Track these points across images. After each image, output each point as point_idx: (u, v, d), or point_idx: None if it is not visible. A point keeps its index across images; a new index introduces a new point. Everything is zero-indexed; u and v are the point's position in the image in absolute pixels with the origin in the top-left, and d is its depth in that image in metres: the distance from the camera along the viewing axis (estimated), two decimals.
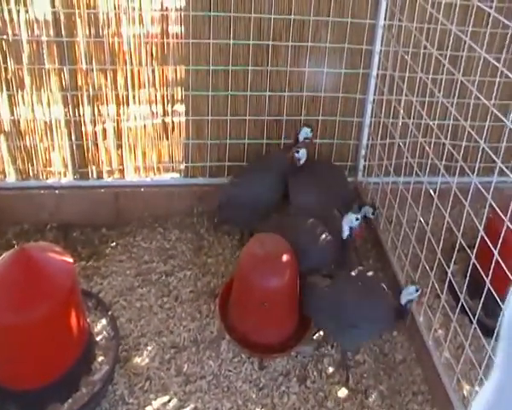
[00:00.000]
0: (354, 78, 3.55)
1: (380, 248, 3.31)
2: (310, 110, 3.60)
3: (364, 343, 2.86)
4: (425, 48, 2.95)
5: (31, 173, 3.55)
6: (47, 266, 2.45)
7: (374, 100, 3.56)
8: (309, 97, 3.56)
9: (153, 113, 3.54)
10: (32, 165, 3.53)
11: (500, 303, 2.10)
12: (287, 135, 3.61)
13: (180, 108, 3.55)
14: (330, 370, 2.74)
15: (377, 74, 3.51)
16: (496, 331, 2.13)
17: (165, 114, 3.55)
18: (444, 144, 2.76)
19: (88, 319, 2.72)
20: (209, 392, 2.59)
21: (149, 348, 2.79)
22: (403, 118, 3.17)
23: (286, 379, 2.67)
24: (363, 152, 3.70)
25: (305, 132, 3.30)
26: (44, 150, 3.52)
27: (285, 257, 2.71)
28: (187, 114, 3.53)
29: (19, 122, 3.41)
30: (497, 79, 2.87)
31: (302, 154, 3.19)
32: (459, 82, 2.69)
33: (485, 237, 2.22)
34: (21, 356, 2.37)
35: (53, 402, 2.43)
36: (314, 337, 2.88)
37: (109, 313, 2.84)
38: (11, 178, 3.53)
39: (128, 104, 3.48)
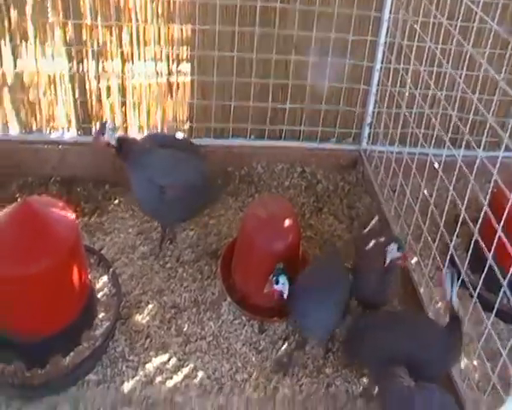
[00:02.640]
0: (362, 45, 3.51)
1: (382, 217, 3.31)
2: (316, 75, 3.56)
3: None
4: (435, 17, 2.91)
5: (34, 127, 3.54)
6: (50, 220, 2.45)
7: (381, 68, 3.53)
8: (315, 62, 3.53)
9: (158, 71, 3.51)
10: (36, 119, 3.52)
11: (501, 279, 2.13)
12: (292, 101, 3.61)
13: (185, 67, 3.52)
14: None
15: (385, 42, 3.47)
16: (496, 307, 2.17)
17: (170, 73, 3.52)
18: (450, 116, 2.75)
19: (90, 275, 2.75)
20: (209, 352, 2.62)
21: (150, 306, 2.81)
22: (410, 87, 3.15)
23: (285, 343, 2.70)
24: (368, 120, 3.69)
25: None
26: (48, 104, 3.50)
27: (288, 220, 2.71)
28: (192, 73, 3.51)
29: (22, 75, 3.39)
30: (508, 53, 2.89)
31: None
32: (468, 54, 2.67)
33: (489, 212, 2.23)
34: (24, 308, 2.40)
35: (55, 355, 2.47)
36: None
37: (111, 269, 2.86)
38: (15, 130, 3.52)
39: (133, 62, 3.45)
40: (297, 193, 3.58)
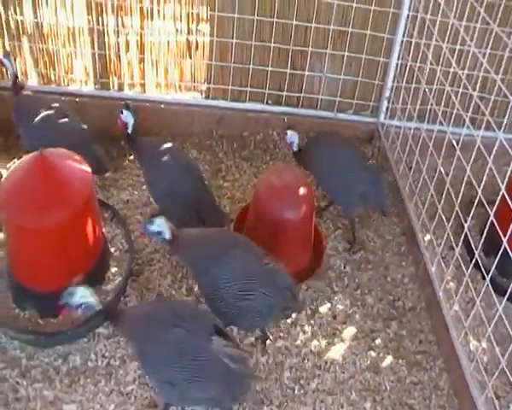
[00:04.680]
0: (383, 16, 3.47)
1: (397, 193, 3.34)
2: (336, 45, 3.55)
3: (376, 287, 2.92)
4: None
5: (52, 78, 3.54)
6: (66, 172, 2.48)
7: (402, 42, 3.50)
8: (336, 31, 3.50)
9: (177, 30, 3.48)
10: (54, 70, 3.52)
11: None
12: (311, 69, 3.59)
13: (205, 27, 3.50)
14: (340, 307, 2.80)
15: (408, 15, 3.42)
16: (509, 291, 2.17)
17: (189, 32, 3.50)
18: (471, 95, 2.72)
19: (104, 230, 2.78)
20: None
21: (161, 265, 2.85)
22: (431, 64, 3.12)
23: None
24: (387, 93, 3.66)
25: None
26: (67, 57, 3.50)
27: (302, 190, 2.73)
28: (211, 34, 3.48)
29: (42, 25, 3.37)
30: None
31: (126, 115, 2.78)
32: (494, 32, 2.62)
33: (506, 196, 2.23)
34: (39, 259, 2.45)
35: None
36: (326, 273, 2.94)
37: (125, 225, 2.89)
38: (33, 81, 3.53)
39: (152, 18, 3.43)
40: None
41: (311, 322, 2.71)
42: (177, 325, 2.06)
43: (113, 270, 2.71)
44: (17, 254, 2.52)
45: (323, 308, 2.78)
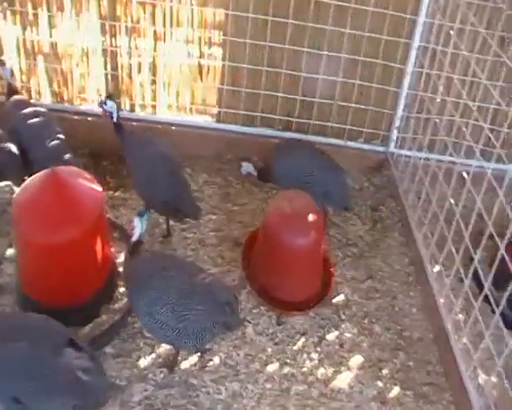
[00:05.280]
0: (395, 46, 3.50)
1: (406, 222, 3.34)
2: (347, 72, 3.57)
3: (383, 316, 2.90)
4: (472, 25, 2.88)
5: (65, 97, 3.59)
6: (77, 191, 2.50)
7: (413, 72, 3.52)
8: (347, 60, 3.52)
9: (189, 53, 3.52)
10: (67, 89, 3.56)
11: None
12: (322, 96, 3.61)
13: (217, 51, 3.54)
14: (347, 336, 2.78)
15: (419, 46, 3.45)
16: None
17: (201, 55, 3.54)
18: (482, 127, 2.73)
19: (112, 249, 2.78)
20: (226, 339, 2.64)
21: None
22: (441, 94, 3.14)
23: (302, 338, 2.73)
24: (397, 123, 3.67)
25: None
26: (80, 76, 3.54)
27: (312, 216, 2.73)
28: (223, 58, 3.52)
29: (57, 45, 3.43)
30: None
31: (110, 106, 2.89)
32: (505, 65, 2.64)
33: None
34: (48, 275, 2.46)
35: (75, 324, 2.51)
36: (334, 301, 2.93)
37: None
38: (47, 100, 3.57)
39: (165, 41, 3.47)
40: None
41: (318, 349, 2.69)
42: (17, 339, 1.99)
43: (122, 290, 2.71)
44: (27, 269, 2.52)
45: (331, 336, 2.76)
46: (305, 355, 2.65)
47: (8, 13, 3.34)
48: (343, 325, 2.82)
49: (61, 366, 2.00)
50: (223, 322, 2.36)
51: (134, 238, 2.41)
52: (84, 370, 2.02)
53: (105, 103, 2.87)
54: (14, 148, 2.88)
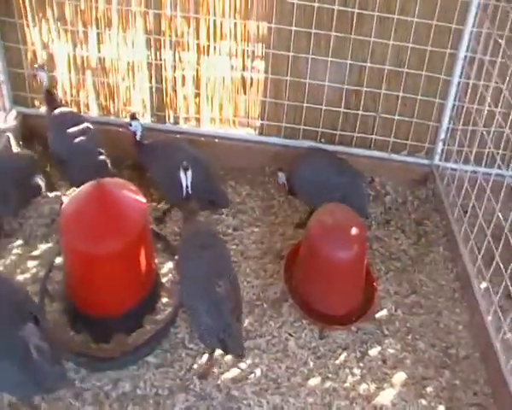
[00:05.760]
0: (440, 57, 3.43)
1: (451, 237, 3.27)
2: (391, 84, 3.52)
3: (428, 333, 2.83)
4: None
5: (111, 110, 3.68)
6: (122, 202, 2.55)
7: (459, 83, 3.44)
8: (391, 71, 3.48)
9: (232, 66, 3.55)
10: (114, 102, 3.65)
11: None
12: (365, 108, 3.59)
13: (260, 64, 3.56)
14: (390, 352, 2.73)
15: (465, 56, 3.38)
16: None
17: (244, 68, 3.56)
18: None
19: (156, 260, 2.81)
20: (267, 351, 2.64)
21: None
22: (489, 106, 3.07)
23: (344, 353, 2.69)
24: (442, 135, 3.59)
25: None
26: (126, 90, 3.62)
27: (355, 229, 2.71)
28: (266, 71, 3.53)
29: (104, 60, 3.53)
30: None
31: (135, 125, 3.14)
32: None
33: None
34: (92, 284, 2.51)
35: (118, 333, 2.55)
36: (377, 316, 2.89)
37: (176, 256, 2.89)
38: (94, 112, 3.67)
39: (208, 54, 3.51)
40: None
41: (361, 365, 2.65)
42: None
43: (164, 300, 2.74)
44: (72, 278, 2.58)
45: (373, 351, 2.72)
46: (347, 370, 2.61)
47: (61, 31, 3.46)
48: (386, 341, 2.77)
49: (20, 340, 2.07)
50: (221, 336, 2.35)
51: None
52: (39, 349, 2.08)
53: (130, 124, 3.11)
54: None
